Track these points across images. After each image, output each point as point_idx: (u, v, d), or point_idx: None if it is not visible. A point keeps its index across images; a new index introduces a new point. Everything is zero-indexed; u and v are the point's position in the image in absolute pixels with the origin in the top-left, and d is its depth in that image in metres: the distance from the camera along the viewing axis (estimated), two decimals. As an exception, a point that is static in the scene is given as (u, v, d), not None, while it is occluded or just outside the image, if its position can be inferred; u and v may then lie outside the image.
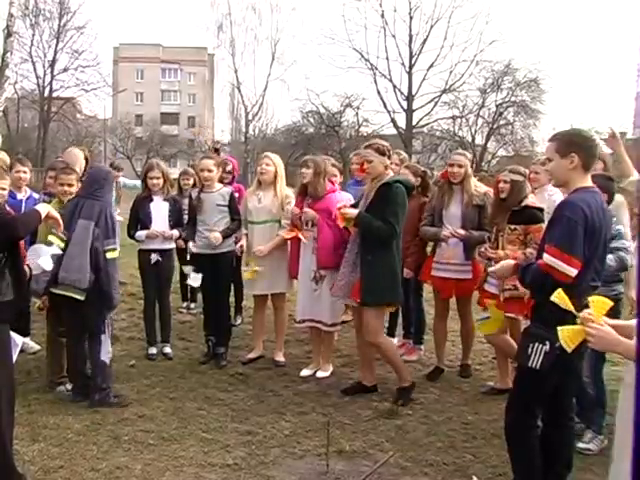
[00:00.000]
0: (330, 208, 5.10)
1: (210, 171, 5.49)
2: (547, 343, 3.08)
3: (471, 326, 5.46)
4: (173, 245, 5.87)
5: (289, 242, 5.45)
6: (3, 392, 3.16)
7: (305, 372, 5.32)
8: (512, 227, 4.56)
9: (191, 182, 6.98)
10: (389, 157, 4.72)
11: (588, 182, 3.19)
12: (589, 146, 3.18)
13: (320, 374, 5.30)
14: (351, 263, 4.75)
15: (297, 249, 5.35)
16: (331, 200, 5.18)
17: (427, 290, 6.06)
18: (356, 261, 4.72)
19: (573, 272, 3.00)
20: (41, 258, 3.79)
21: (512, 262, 3.41)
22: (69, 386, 4.70)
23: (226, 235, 5.41)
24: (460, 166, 5.15)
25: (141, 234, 5.61)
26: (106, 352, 4.55)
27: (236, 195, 6.00)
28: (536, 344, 3.10)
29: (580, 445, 3.90)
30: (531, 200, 4.59)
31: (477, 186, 5.21)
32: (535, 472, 3.28)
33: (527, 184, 4.66)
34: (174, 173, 8.19)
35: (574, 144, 3.15)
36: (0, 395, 3.14)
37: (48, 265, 3.84)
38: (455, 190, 5.19)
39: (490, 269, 3.68)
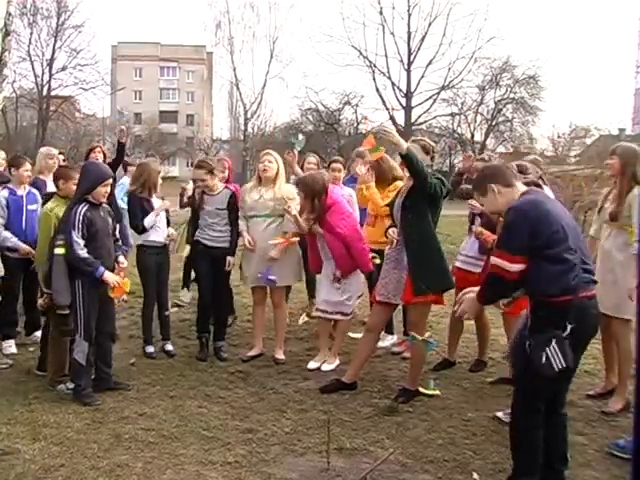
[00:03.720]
0: (331, 221, 5.18)
1: (203, 180, 5.56)
2: (553, 340, 3.08)
3: (485, 321, 5.46)
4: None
5: (298, 237, 5.53)
6: None
7: (312, 365, 5.37)
8: (502, 219, 4.57)
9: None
10: (432, 158, 4.69)
11: (521, 189, 3.33)
12: (500, 172, 3.38)
13: (325, 367, 5.33)
14: (393, 260, 4.75)
15: (315, 242, 5.42)
16: (332, 213, 5.22)
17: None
18: (398, 257, 4.70)
19: (513, 268, 3.11)
20: None
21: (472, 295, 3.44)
22: (69, 384, 4.70)
23: (232, 251, 5.59)
24: (482, 160, 5.32)
25: (151, 220, 5.61)
26: (79, 351, 4.56)
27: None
28: (548, 349, 3.09)
29: None
30: None
31: None
32: (537, 470, 3.28)
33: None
34: (173, 171, 8.23)
35: (485, 178, 3.37)
36: None
37: None
38: None
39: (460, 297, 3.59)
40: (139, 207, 5.63)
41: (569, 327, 3.09)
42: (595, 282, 3.25)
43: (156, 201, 5.73)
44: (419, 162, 4.38)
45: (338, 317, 5.40)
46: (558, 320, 3.10)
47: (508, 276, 3.14)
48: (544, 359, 3.09)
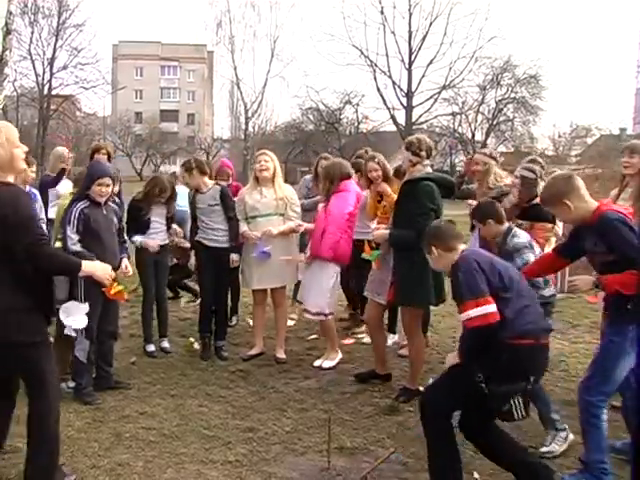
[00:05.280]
0: (331, 200, 5.25)
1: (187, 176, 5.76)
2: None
3: None
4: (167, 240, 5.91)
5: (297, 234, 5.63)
6: None
7: (318, 362, 5.41)
8: (519, 222, 4.56)
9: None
10: (413, 153, 4.62)
11: (461, 247, 3.32)
12: (439, 233, 3.38)
13: (327, 364, 5.35)
14: (381, 259, 4.83)
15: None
16: (338, 196, 5.27)
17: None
18: (387, 257, 4.76)
19: (491, 308, 3.02)
20: (73, 317, 3.90)
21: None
22: (70, 383, 4.70)
23: (235, 248, 5.57)
24: (477, 163, 5.27)
25: (137, 239, 5.62)
26: (80, 349, 4.56)
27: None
28: (513, 399, 3.11)
29: (542, 450, 3.83)
30: None
31: (498, 180, 5.17)
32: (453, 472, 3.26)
33: (539, 182, 4.62)
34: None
35: (430, 238, 3.39)
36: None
37: (82, 324, 3.97)
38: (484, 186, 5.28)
39: None
40: (132, 217, 5.66)
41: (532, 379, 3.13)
42: (549, 331, 3.28)
43: (155, 214, 5.70)
44: (403, 238, 4.48)
45: (320, 318, 5.36)
46: (521, 368, 3.09)
47: (491, 319, 3.00)
48: (509, 408, 3.11)
